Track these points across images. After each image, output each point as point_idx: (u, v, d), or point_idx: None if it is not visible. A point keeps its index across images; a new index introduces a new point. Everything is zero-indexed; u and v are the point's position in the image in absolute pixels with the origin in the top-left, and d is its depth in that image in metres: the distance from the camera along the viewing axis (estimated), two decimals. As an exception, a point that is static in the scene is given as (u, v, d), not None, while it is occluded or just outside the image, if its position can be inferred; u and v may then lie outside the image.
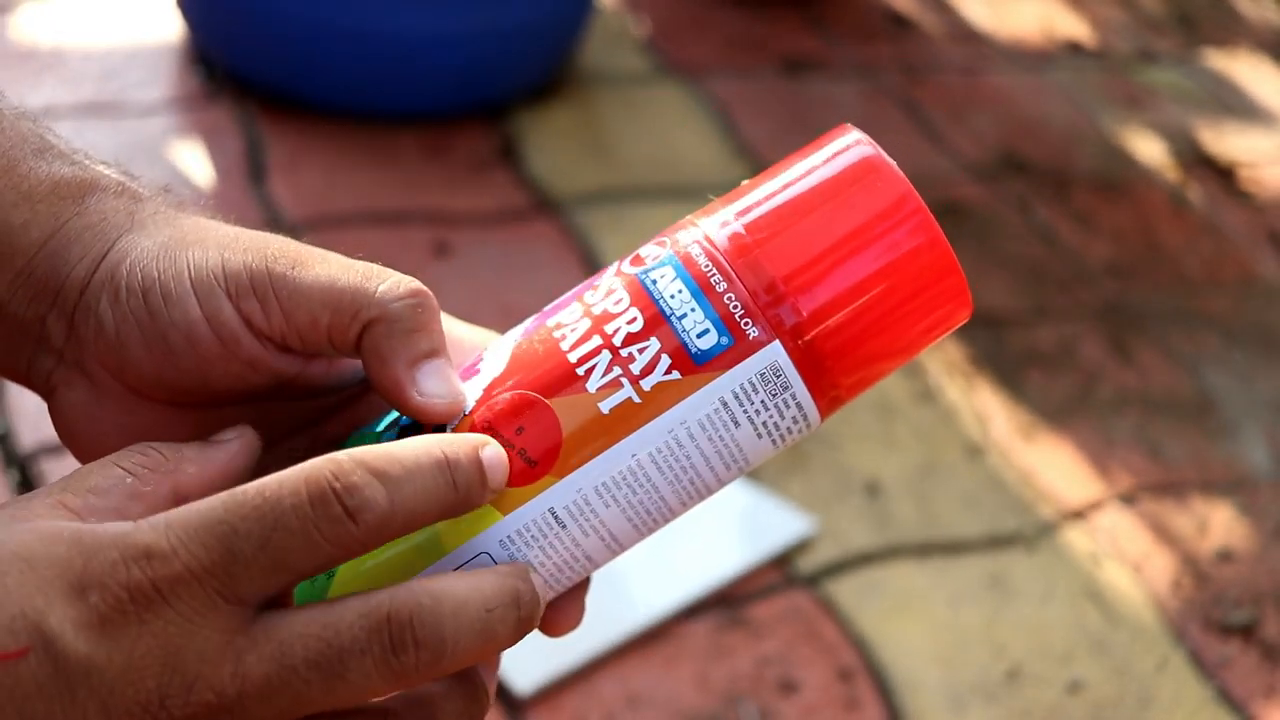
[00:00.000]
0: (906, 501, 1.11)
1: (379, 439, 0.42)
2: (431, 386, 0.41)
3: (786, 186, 0.43)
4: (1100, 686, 0.98)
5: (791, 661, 0.95)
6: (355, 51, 1.39)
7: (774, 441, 0.42)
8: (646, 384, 0.41)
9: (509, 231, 1.34)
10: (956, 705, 0.95)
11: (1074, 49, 1.93)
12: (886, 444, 1.16)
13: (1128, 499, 1.15)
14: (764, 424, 0.41)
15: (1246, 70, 1.95)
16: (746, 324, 0.41)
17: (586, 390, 0.41)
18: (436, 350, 0.41)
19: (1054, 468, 1.17)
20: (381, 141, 1.42)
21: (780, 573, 1.03)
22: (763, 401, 0.41)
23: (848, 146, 0.45)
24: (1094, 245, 1.49)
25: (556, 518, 0.41)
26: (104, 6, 1.56)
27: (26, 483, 0.98)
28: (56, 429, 0.46)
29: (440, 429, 0.41)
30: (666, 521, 0.43)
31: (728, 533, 1.04)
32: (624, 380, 0.41)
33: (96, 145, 1.37)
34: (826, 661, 0.96)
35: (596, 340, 0.41)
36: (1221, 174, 1.68)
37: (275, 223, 1.28)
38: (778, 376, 0.41)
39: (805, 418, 0.42)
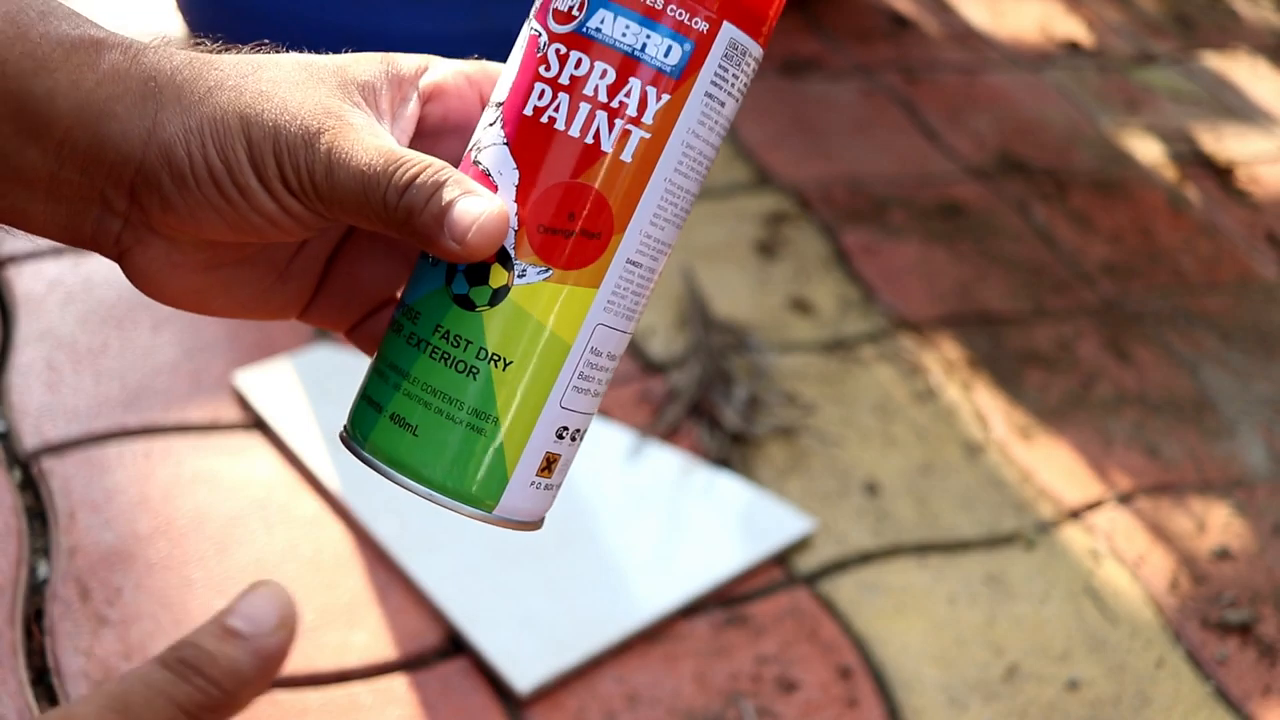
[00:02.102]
0: (905, 501, 1.11)
1: (445, 295, 0.45)
2: (459, 227, 0.43)
3: None
4: (1098, 685, 0.98)
5: (791, 660, 0.96)
6: (354, 51, 1.39)
7: (741, 94, 0.47)
8: (648, 118, 0.44)
9: (509, 232, 1.34)
10: (955, 704, 0.95)
11: (1072, 49, 1.93)
12: (885, 443, 1.17)
13: (1126, 498, 1.16)
14: (738, 90, 0.46)
15: (1244, 71, 1.96)
16: (695, 22, 0.44)
17: (605, 152, 0.44)
18: (448, 202, 0.43)
19: (1052, 467, 1.18)
20: (382, 142, 1.43)
21: (779, 571, 1.03)
22: (733, 74, 0.45)
23: None
24: (1092, 245, 1.50)
25: (633, 262, 0.45)
26: (103, 6, 1.56)
27: (28, 482, 0.98)
28: (136, 284, 0.48)
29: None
30: (692, 207, 0.48)
31: (727, 532, 1.04)
32: (630, 127, 0.44)
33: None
34: (826, 660, 0.96)
35: (586, 107, 0.44)
36: (1219, 174, 1.68)
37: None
38: (736, 48, 0.45)
39: (757, 61, 0.46)
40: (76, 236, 0.47)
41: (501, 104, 0.46)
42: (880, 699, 0.94)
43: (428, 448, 0.45)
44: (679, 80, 0.44)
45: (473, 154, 0.46)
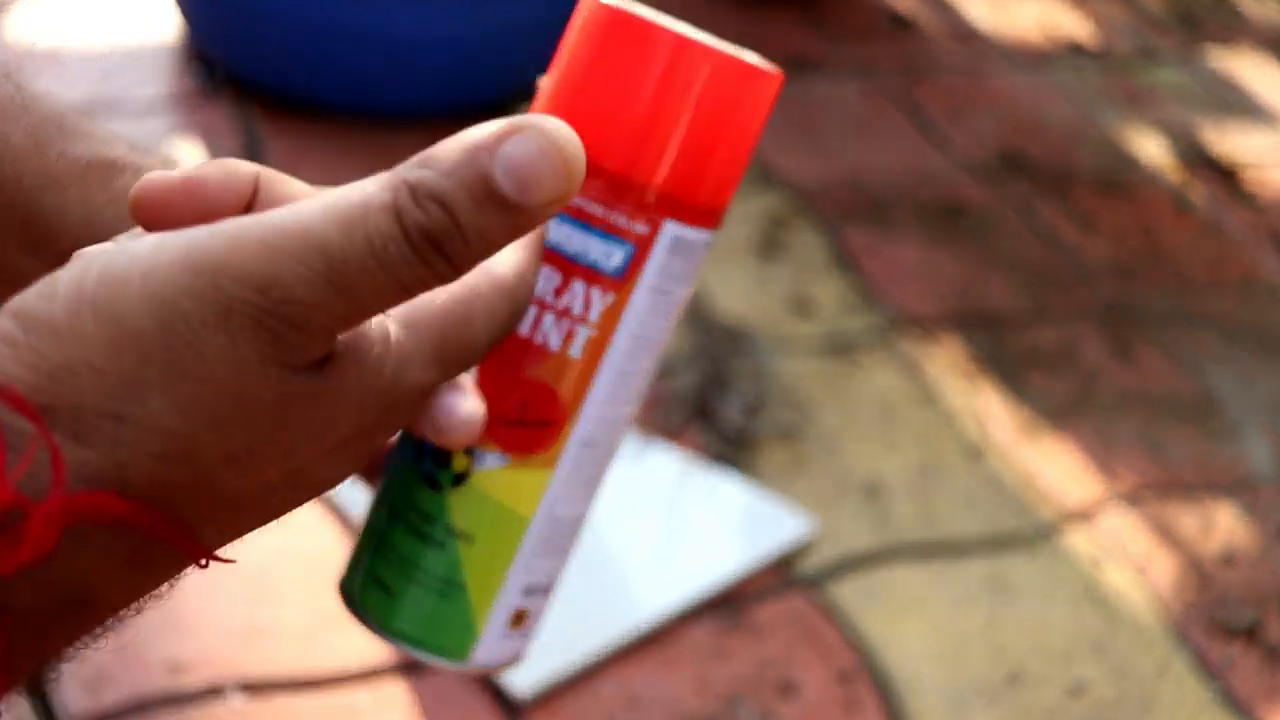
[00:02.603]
0: (907, 503, 1.11)
1: (415, 471, 0.48)
2: (443, 422, 0.44)
3: (577, 90, 0.47)
4: (1102, 688, 0.98)
5: (792, 663, 0.95)
6: (354, 51, 1.39)
7: (694, 273, 0.49)
8: (593, 316, 0.47)
9: (508, 232, 1.33)
10: (957, 707, 0.94)
11: (1075, 49, 1.93)
12: (887, 445, 1.16)
13: (1129, 500, 1.15)
14: (688, 275, 0.48)
15: (1249, 69, 1.95)
16: (635, 226, 0.46)
17: (553, 350, 0.47)
18: (440, 394, 0.44)
19: (1055, 469, 1.17)
20: (381, 141, 1.42)
21: (780, 575, 1.03)
22: (680, 264, 0.48)
23: (593, 17, 0.47)
24: (1095, 245, 1.49)
25: (588, 443, 0.48)
26: (102, 5, 1.56)
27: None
28: None
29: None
30: (648, 379, 0.50)
31: (727, 534, 1.03)
32: (576, 327, 0.47)
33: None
34: (827, 663, 0.96)
35: (534, 309, 0.47)
36: (1224, 174, 1.67)
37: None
38: (681, 243, 0.47)
39: (708, 244, 0.49)
40: None
41: None
42: (882, 702, 0.94)
43: (404, 608, 0.49)
44: (622, 281, 0.47)
45: None
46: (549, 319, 0.47)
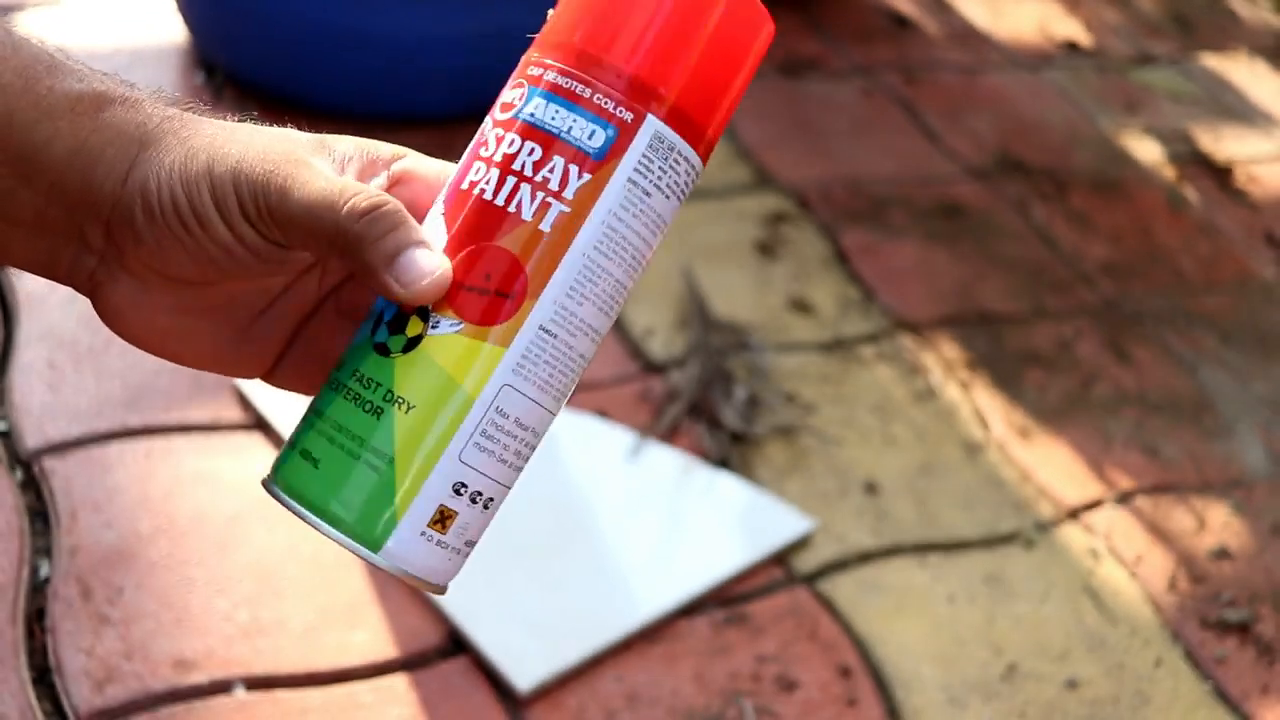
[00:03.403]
0: (905, 500, 1.11)
1: (367, 343, 0.49)
2: (407, 278, 0.46)
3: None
4: (1097, 684, 0.99)
5: (790, 659, 0.96)
6: (357, 53, 1.39)
7: (678, 198, 0.49)
8: (568, 193, 0.47)
9: (509, 232, 1.34)
10: (955, 703, 0.95)
11: (1072, 50, 1.94)
12: (885, 443, 1.17)
13: (1125, 498, 1.16)
14: (667, 185, 0.49)
15: (1243, 72, 1.96)
16: (619, 110, 0.47)
17: (525, 220, 0.47)
18: (402, 246, 0.46)
19: (1052, 467, 1.18)
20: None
21: (779, 571, 1.03)
22: (660, 167, 0.48)
23: None
24: (1091, 245, 1.50)
25: (547, 330, 0.48)
26: (108, 9, 1.57)
27: (30, 481, 0.98)
28: (105, 321, 0.51)
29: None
30: (624, 300, 0.50)
31: (727, 531, 1.04)
32: (550, 200, 0.47)
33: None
34: (825, 659, 0.97)
35: (512, 180, 0.47)
36: (1218, 175, 1.68)
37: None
38: (662, 142, 0.48)
39: (693, 168, 0.49)
40: (53, 271, 0.50)
41: (446, 185, 0.50)
42: (880, 698, 0.95)
43: (327, 481, 0.47)
44: (601, 162, 0.47)
45: (435, 204, 0.50)
46: (525, 189, 0.47)
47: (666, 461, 1.09)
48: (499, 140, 0.48)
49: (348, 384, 0.48)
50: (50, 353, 1.08)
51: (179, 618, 0.90)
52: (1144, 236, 1.53)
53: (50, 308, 1.13)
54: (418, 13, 1.39)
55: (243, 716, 0.85)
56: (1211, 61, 1.97)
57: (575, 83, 0.48)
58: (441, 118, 1.47)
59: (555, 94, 0.48)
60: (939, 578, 1.05)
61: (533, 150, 0.47)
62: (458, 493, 0.48)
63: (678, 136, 0.48)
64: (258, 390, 1.08)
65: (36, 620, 0.89)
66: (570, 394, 0.50)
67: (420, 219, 0.50)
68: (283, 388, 0.55)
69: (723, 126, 0.50)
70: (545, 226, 0.47)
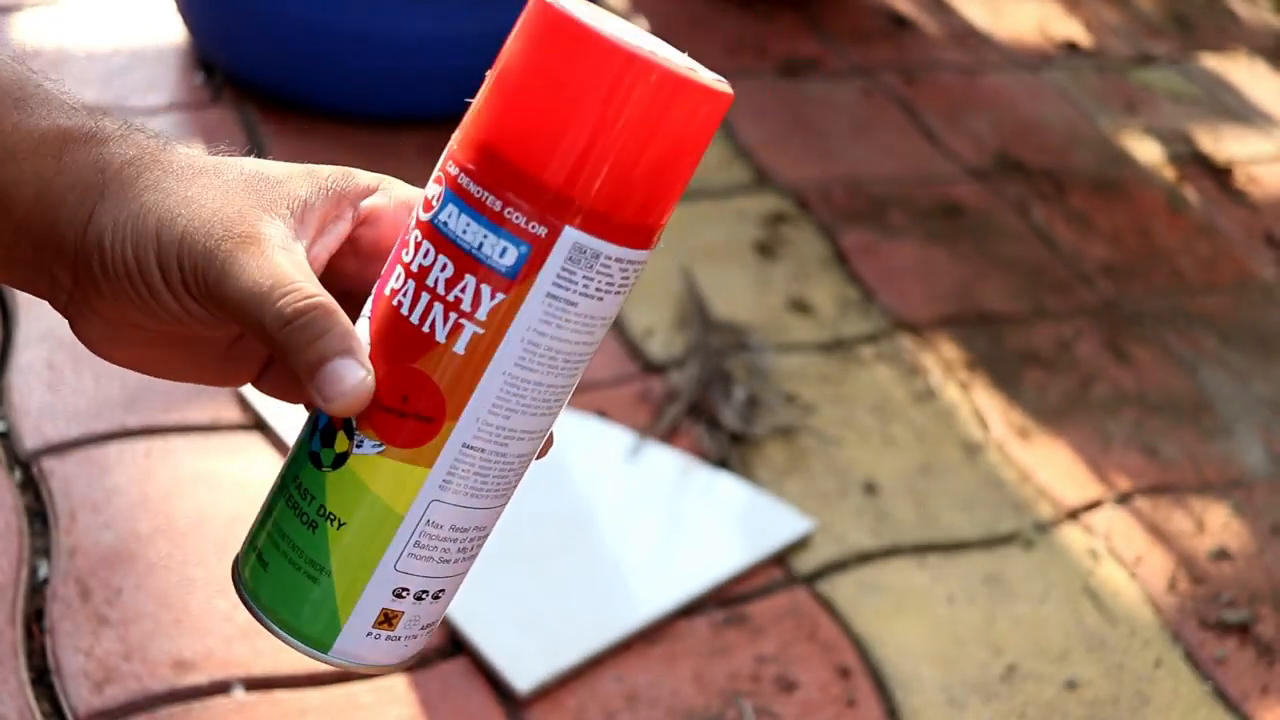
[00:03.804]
0: (904, 501, 1.11)
1: (306, 448, 0.48)
2: (328, 390, 0.45)
3: (504, 81, 0.46)
4: (1097, 684, 0.99)
5: (790, 660, 0.96)
6: (355, 54, 1.39)
7: (618, 293, 0.47)
8: (481, 314, 0.45)
9: (509, 232, 1.34)
10: (954, 703, 0.95)
11: (1071, 50, 1.94)
12: (884, 443, 1.17)
13: (1124, 498, 1.16)
14: (596, 290, 0.46)
15: (1243, 72, 1.96)
16: (532, 226, 0.44)
17: (439, 342, 0.45)
18: (325, 357, 0.45)
19: (1051, 467, 1.18)
20: (382, 143, 1.43)
21: (779, 571, 1.03)
22: (584, 276, 0.45)
23: (534, 15, 0.46)
24: (1091, 246, 1.50)
25: (471, 447, 0.46)
26: (107, 9, 1.57)
27: (29, 482, 0.98)
28: (85, 345, 0.51)
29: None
30: (569, 391, 0.48)
31: (726, 532, 1.04)
32: (462, 321, 0.45)
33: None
34: (825, 660, 0.96)
35: (426, 297, 0.46)
36: (1218, 175, 1.68)
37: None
38: (583, 252, 0.45)
39: (631, 263, 0.46)
40: (33, 293, 0.51)
41: (384, 275, 0.48)
42: (879, 698, 0.95)
43: (276, 587, 0.48)
44: (514, 281, 0.45)
45: (367, 303, 0.49)
46: (438, 309, 0.45)
47: (666, 462, 1.09)
48: (417, 246, 0.47)
49: (290, 490, 0.48)
50: (49, 353, 1.08)
51: (178, 618, 0.90)
52: (1144, 237, 1.53)
53: (49, 308, 1.12)
54: (418, 13, 1.39)
55: (242, 717, 0.85)
56: (1211, 62, 1.97)
57: (486, 192, 0.45)
58: (441, 118, 1.47)
59: (466, 203, 0.45)
60: (938, 578, 1.05)
61: (445, 266, 0.45)
62: (399, 596, 0.48)
63: (603, 242, 0.45)
64: (256, 391, 1.08)
65: (35, 621, 0.89)
66: (516, 486, 0.49)
67: (384, 259, 0.49)
68: (272, 395, 0.55)
69: (665, 211, 0.46)
70: (459, 349, 0.45)
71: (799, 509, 1.08)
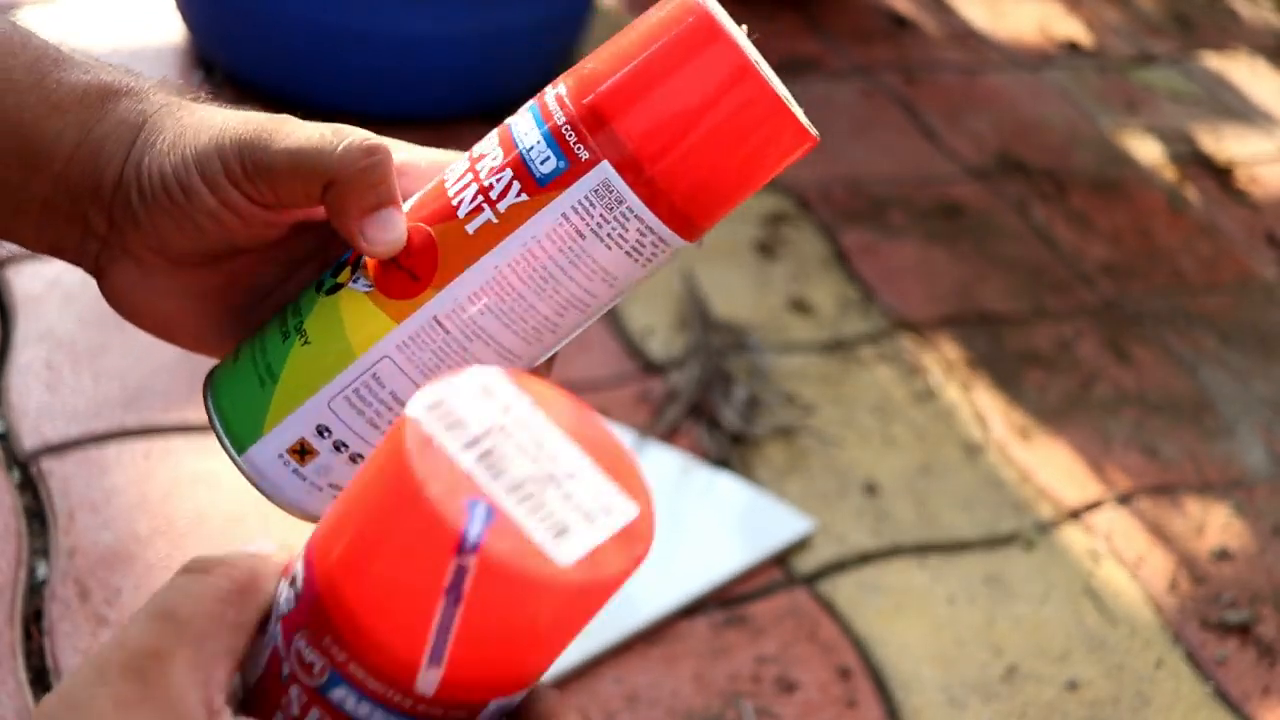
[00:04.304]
0: (905, 501, 1.11)
1: (317, 277, 0.52)
2: (374, 233, 0.49)
3: (623, 41, 0.49)
4: (1098, 685, 0.98)
5: (790, 660, 0.96)
6: (356, 53, 1.39)
7: (631, 255, 0.48)
8: (502, 206, 0.48)
9: (509, 232, 1.34)
10: (954, 704, 0.95)
11: (1072, 50, 1.93)
12: (885, 444, 1.17)
13: (1125, 499, 1.16)
14: (609, 235, 0.48)
15: (1244, 71, 1.96)
16: (579, 148, 0.47)
17: (458, 216, 0.48)
18: (382, 202, 0.49)
19: (1052, 467, 1.18)
20: (381, 142, 1.43)
21: (779, 572, 1.03)
22: (601, 215, 0.47)
23: (679, 6, 0.49)
24: (1092, 246, 1.50)
25: (439, 323, 0.49)
26: (106, 8, 1.56)
27: (28, 482, 0.98)
28: (109, 301, 0.53)
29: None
30: (555, 334, 0.50)
31: (726, 532, 1.04)
32: (484, 205, 0.48)
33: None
34: (825, 660, 0.96)
35: (469, 177, 0.49)
36: (1219, 175, 1.68)
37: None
38: (610, 192, 0.47)
39: (653, 232, 0.48)
40: (60, 254, 0.53)
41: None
42: (879, 699, 0.94)
43: (230, 377, 0.52)
44: (542, 189, 0.48)
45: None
46: (472, 189, 0.49)
47: (666, 462, 1.09)
48: (488, 140, 0.50)
49: (287, 307, 0.52)
50: (48, 353, 1.08)
51: (177, 619, 0.90)
52: (1144, 237, 1.53)
53: (48, 308, 1.12)
54: (418, 13, 1.39)
55: None
56: (1212, 61, 1.97)
57: (558, 107, 0.48)
58: (441, 118, 1.47)
59: (539, 112, 0.49)
60: (939, 579, 1.05)
61: (495, 156, 0.49)
62: (320, 434, 0.50)
63: (631, 192, 0.47)
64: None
65: (34, 621, 0.89)
66: None
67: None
68: None
69: (711, 214, 0.49)
70: (470, 228, 0.48)
71: (799, 509, 1.08)
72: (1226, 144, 1.75)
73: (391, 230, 0.49)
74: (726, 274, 1.33)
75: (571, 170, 0.47)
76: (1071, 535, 1.11)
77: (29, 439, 1.01)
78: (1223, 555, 1.12)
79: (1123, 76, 1.88)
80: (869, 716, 0.93)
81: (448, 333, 0.49)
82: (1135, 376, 1.31)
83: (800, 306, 1.31)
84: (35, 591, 0.91)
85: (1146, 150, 1.71)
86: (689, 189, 0.48)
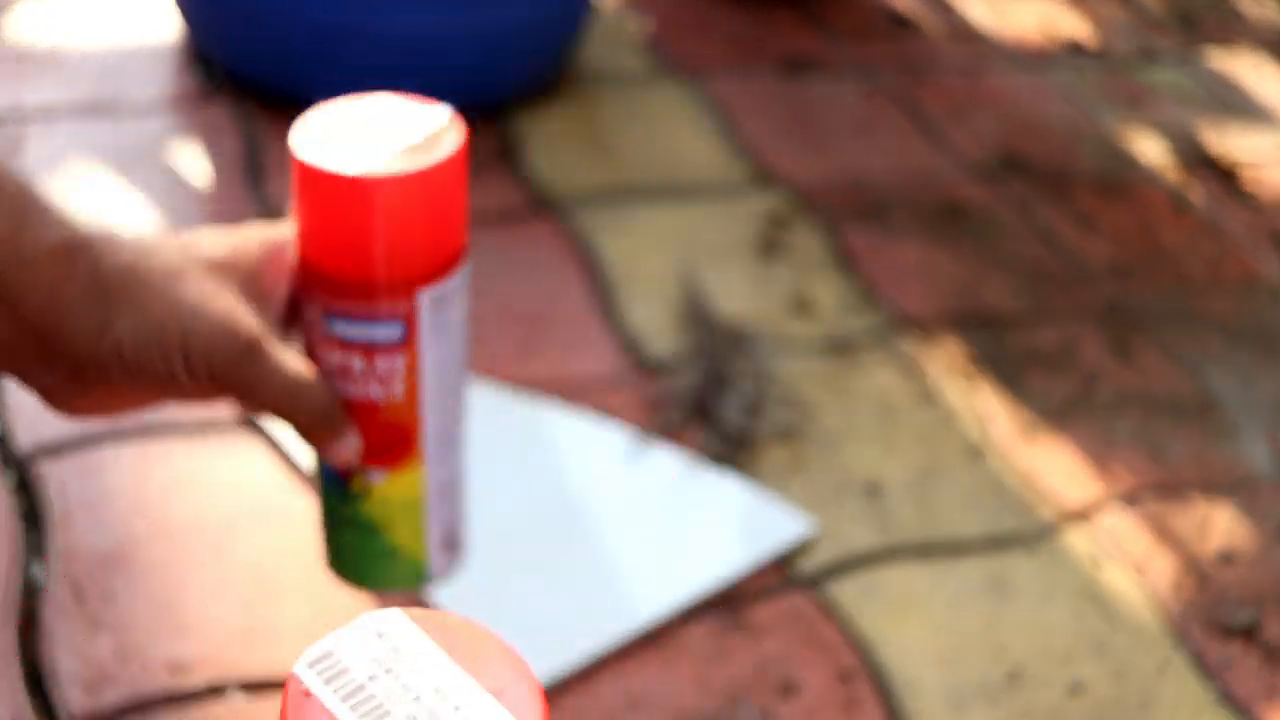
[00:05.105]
0: (907, 502, 1.11)
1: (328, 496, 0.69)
2: (341, 456, 0.65)
3: (306, 230, 0.62)
4: (1101, 688, 0.98)
5: (792, 663, 0.95)
6: (354, 51, 1.39)
7: (465, 297, 0.64)
8: (399, 368, 0.63)
9: (509, 231, 1.34)
10: (957, 706, 0.95)
11: (1075, 49, 1.93)
12: (887, 445, 1.16)
13: (1129, 500, 1.15)
14: (457, 303, 0.63)
15: (1248, 70, 1.95)
16: (397, 306, 0.62)
17: (383, 401, 0.64)
18: (337, 435, 0.64)
19: (1055, 469, 1.17)
20: (381, 141, 1.42)
21: (780, 574, 1.03)
22: (445, 306, 0.62)
23: (294, 166, 0.61)
24: (1095, 245, 1.49)
25: (437, 435, 0.67)
26: (103, 5, 1.56)
27: (23, 484, 0.98)
28: (47, 403, 0.61)
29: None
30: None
31: (727, 534, 1.04)
32: (392, 380, 0.63)
33: (95, 144, 1.37)
34: (827, 663, 0.96)
35: (365, 381, 0.63)
36: (1223, 174, 1.68)
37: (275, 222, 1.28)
38: (439, 296, 0.62)
39: (465, 273, 0.63)
40: (13, 375, 0.60)
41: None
42: (882, 702, 0.94)
43: (374, 573, 0.71)
44: (404, 344, 0.62)
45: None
46: (375, 385, 0.63)
47: (666, 462, 1.09)
48: (332, 355, 0.66)
49: (342, 525, 0.69)
50: (45, 353, 1.08)
51: (173, 621, 0.90)
52: (1148, 237, 1.53)
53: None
54: (417, 11, 1.38)
55: (238, 719, 0.85)
56: (1216, 60, 1.97)
57: (359, 305, 0.63)
58: (440, 116, 1.47)
59: (352, 318, 0.63)
60: (941, 580, 1.04)
61: (359, 360, 0.63)
62: (445, 530, 0.71)
63: (446, 281, 0.62)
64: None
65: (29, 623, 0.88)
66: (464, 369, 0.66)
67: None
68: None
69: (463, 234, 0.61)
70: (398, 396, 0.64)
71: (800, 510, 1.07)
72: (1231, 143, 1.75)
73: (348, 450, 0.64)
74: (727, 274, 1.33)
75: (409, 319, 0.62)
76: (1074, 537, 1.11)
77: (25, 440, 1.01)
78: (1227, 557, 1.11)
79: (1126, 75, 1.88)
80: (871, 719, 0.93)
81: (443, 431, 0.66)
82: (1139, 377, 1.30)
83: (801, 306, 1.31)
84: (30, 593, 0.90)
85: (1150, 149, 1.70)
86: (443, 248, 0.61)
